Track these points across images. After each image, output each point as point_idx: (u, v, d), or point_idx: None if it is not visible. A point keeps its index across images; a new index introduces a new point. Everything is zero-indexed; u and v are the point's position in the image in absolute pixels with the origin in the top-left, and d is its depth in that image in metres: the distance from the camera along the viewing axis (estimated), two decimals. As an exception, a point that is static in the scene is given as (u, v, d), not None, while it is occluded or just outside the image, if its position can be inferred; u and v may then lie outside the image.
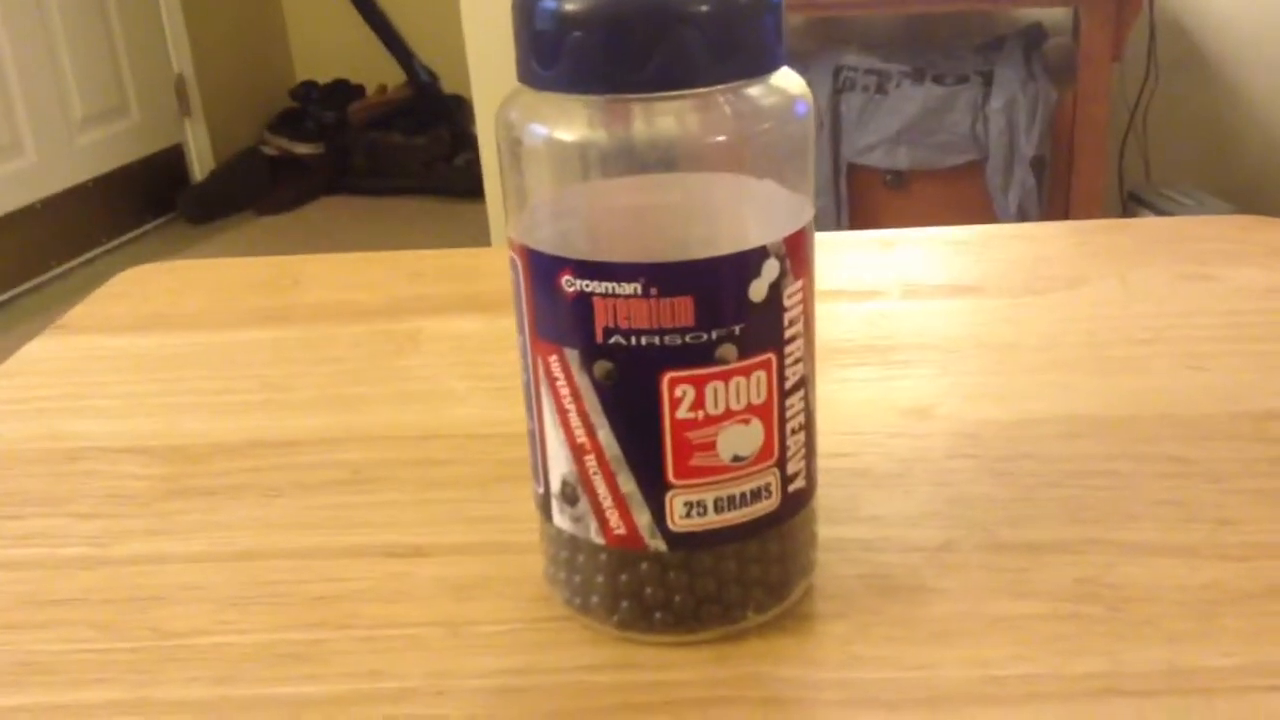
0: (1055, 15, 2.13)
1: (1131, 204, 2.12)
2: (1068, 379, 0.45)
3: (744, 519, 0.31)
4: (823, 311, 0.51)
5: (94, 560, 0.38)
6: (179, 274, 0.62)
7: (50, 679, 0.33)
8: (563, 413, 0.31)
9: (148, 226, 3.20)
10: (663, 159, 0.29)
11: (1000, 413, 0.43)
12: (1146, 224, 0.61)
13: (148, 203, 3.21)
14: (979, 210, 1.89)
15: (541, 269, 0.30)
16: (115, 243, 3.07)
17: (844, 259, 0.58)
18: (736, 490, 0.31)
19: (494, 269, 0.61)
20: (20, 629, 0.35)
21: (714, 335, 0.29)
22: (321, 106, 3.53)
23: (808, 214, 0.31)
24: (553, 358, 0.30)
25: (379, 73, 3.49)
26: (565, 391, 0.30)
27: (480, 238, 2.67)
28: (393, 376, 0.49)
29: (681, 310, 0.29)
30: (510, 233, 0.31)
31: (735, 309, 0.29)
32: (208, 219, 3.23)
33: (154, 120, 3.27)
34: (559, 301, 0.30)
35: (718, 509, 0.31)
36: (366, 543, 0.38)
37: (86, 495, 0.42)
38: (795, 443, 0.32)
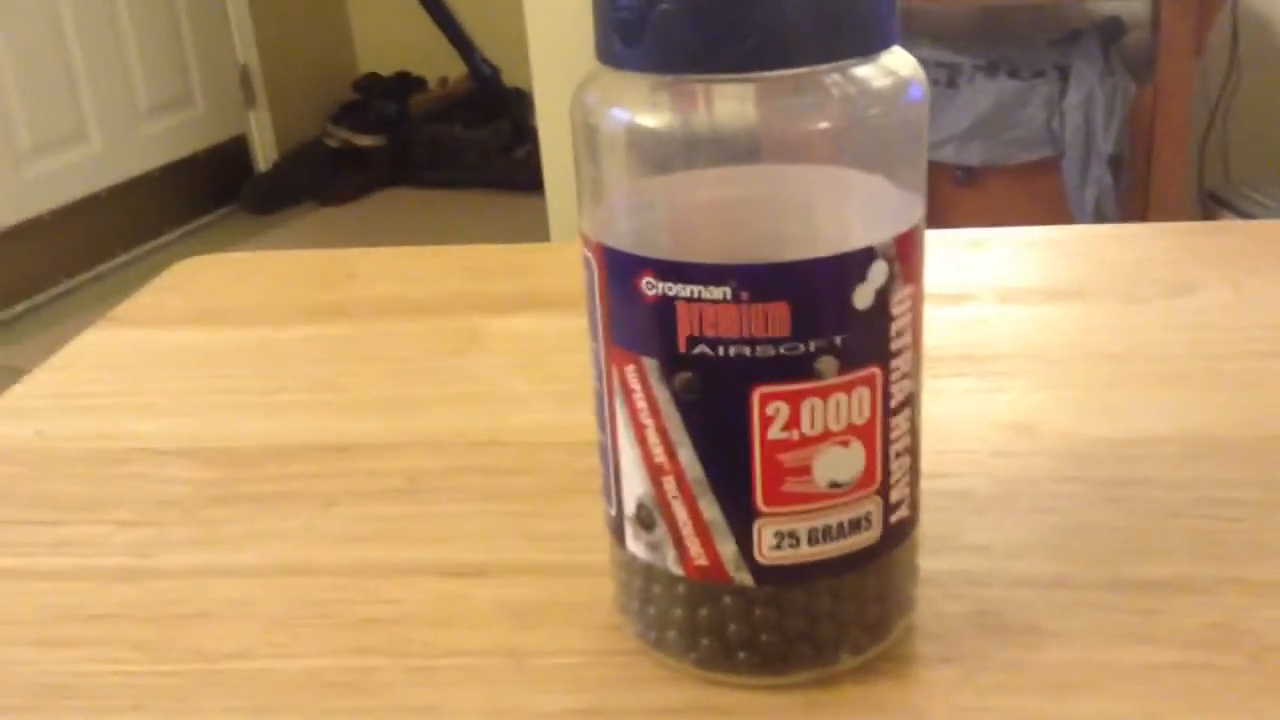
0: (1134, 8, 2.06)
1: (1211, 204, 2.05)
2: (1183, 394, 0.41)
3: (841, 552, 0.28)
4: (911, 316, 0.47)
5: (135, 572, 0.36)
6: (234, 266, 0.60)
7: (79, 704, 0.30)
8: (639, 429, 0.28)
9: (211, 216, 3.22)
10: (758, 148, 0.26)
11: (1110, 430, 0.39)
12: (1256, 227, 0.57)
13: (211, 193, 3.23)
14: (1053, 208, 1.83)
15: (619, 269, 0.27)
16: (178, 232, 3.09)
17: (931, 260, 0.54)
18: (833, 520, 0.27)
19: (555, 265, 0.58)
20: (52, 646, 0.33)
21: (812, 346, 0.26)
22: (384, 98, 3.53)
23: (919, 211, 0.27)
24: (629, 367, 0.27)
25: (441, 65, 3.49)
26: (643, 405, 0.27)
27: (539, 231, 2.65)
28: (452, 377, 0.47)
29: (776, 318, 0.26)
30: (584, 227, 0.28)
31: (837, 317, 0.26)
32: (270, 210, 3.24)
33: (219, 110, 3.29)
34: (638, 305, 0.27)
35: (811, 540, 0.27)
36: (423, 559, 0.35)
37: (130, 501, 0.39)
38: (899, 467, 0.28)
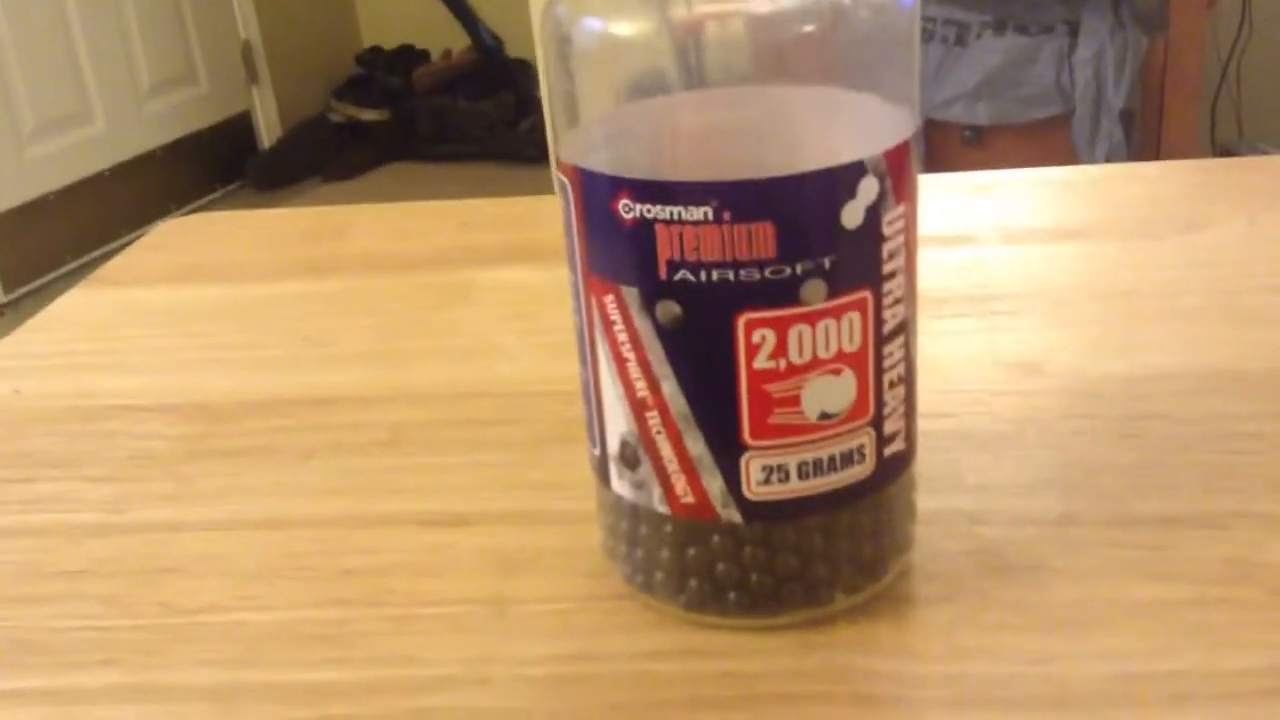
0: (1145, -38, 2.03)
1: (1224, 159, 2.02)
2: (1195, 330, 0.40)
3: (833, 486, 0.26)
4: (913, 257, 0.45)
5: (106, 528, 0.34)
6: (220, 225, 0.59)
7: (48, 659, 0.29)
8: (621, 362, 0.26)
9: (216, 194, 3.21)
10: (742, 57, 0.24)
11: (1120, 367, 0.38)
12: (1269, 163, 0.55)
13: (216, 170, 3.21)
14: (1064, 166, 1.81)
15: (595, 192, 0.25)
16: (184, 210, 3.08)
17: (933, 204, 0.53)
18: (824, 453, 0.26)
19: (550, 217, 0.56)
20: (20, 603, 0.31)
21: (799, 269, 0.24)
22: (387, 72, 3.51)
23: (911, 125, 0.26)
24: (609, 298, 0.26)
25: (444, 38, 3.46)
26: (624, 337, 0.26)
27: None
28: (439, 330, 0.45)
29: (761, 239, 0.24)
30: (559, 152, 0.26)
31: (825, 237, 0.24)
32: (275, 186, 3.23)
33: (222, 88, 3.27)
34: (615, 230, 0.25)
35: (802, 474, 0.26)
36: (404, 510, 0.34)
37: (105, 457, 0.38)
38: (893, 398, 0.27)
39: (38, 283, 2.59)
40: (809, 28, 0.24)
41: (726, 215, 0.24)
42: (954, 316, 0.42)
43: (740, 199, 0.24)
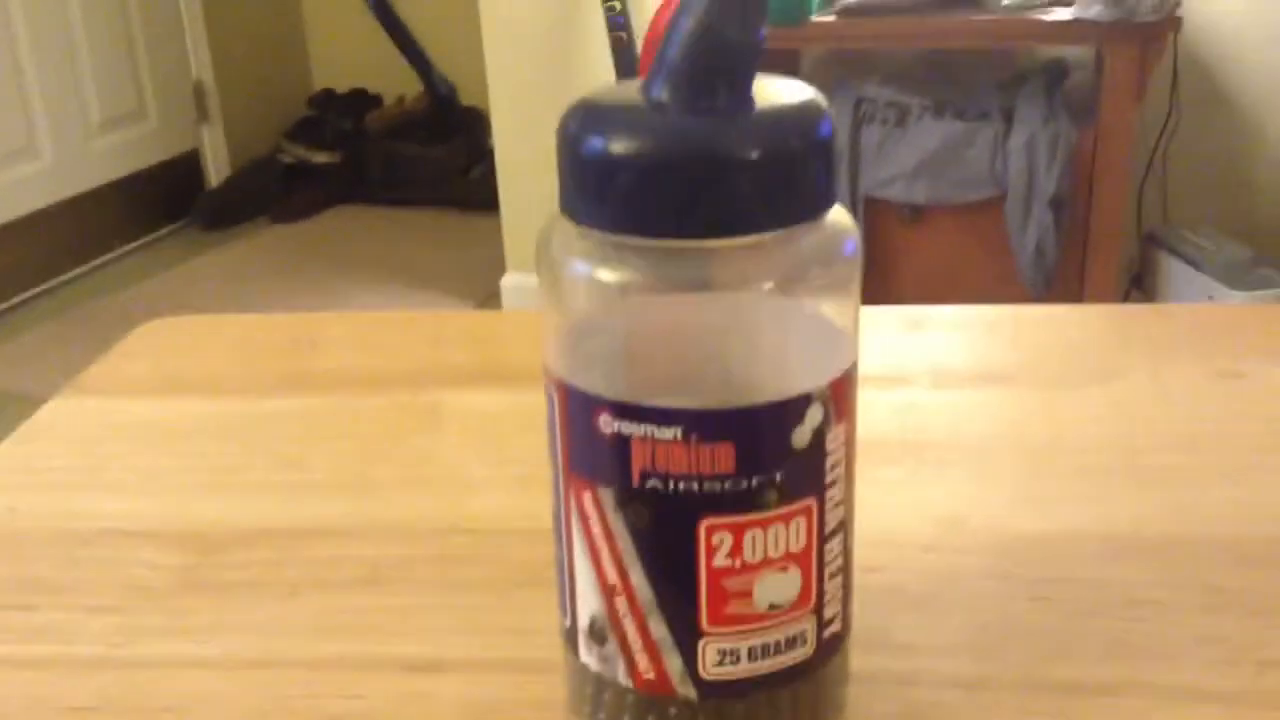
0: (1078, 52, 2.12)
1: (1149, 244, 2.11)
2: (1105, 490, 0.44)
3: (778, 667, 0.30)
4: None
5: (110, 662, 0.37)
6: (196, 330, 0.61)
7: (60, 802, 0.32)
8: (594, 552, 0.30)
9: (163, 231, 3.20)
10: (707, 303, 0.28)
11: (1037, 525, 0.42)
12: (1177, 311, 0.60)
13: (164, 208, 3.21)
14: (996, 247, 1.88)
15: (578, 406, 0.29)
16: (130, 246, 3.07)
17: (871, 338, 0.57)
18: (771, 639, 0.30)
19: (516, 336, 0.60)
20: (30, 741, 0.34)
21: (755, 482, 0.28)
22: (339, 115, 3.53)
23: (852, 355, 0.30)
24: (586, 495, 0.30)
25: (398, 83, 3.49)
26: (598, 530, 0.30)
27: (494, 250, 2.66)
28: (413, 458, 0.48)
29: (722, 457, 0.28)
30: (547, 361, 0.30)
31: (778, 456, 0.28)
32: (222, 225, 3.23)
33: (172, 125, 3.27)
34: (595, 440, 0.29)
35: (751, 657, 0.30)
36: (386, 653, 0.37)
37: (101, 586, 0.41)
38: (833, 587, 0.31)
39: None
40: (769, 283, 0.28)
41: (693, 436, 0.28)
42: (887, 464, 0.46)
43: (705, 424, 0.28)
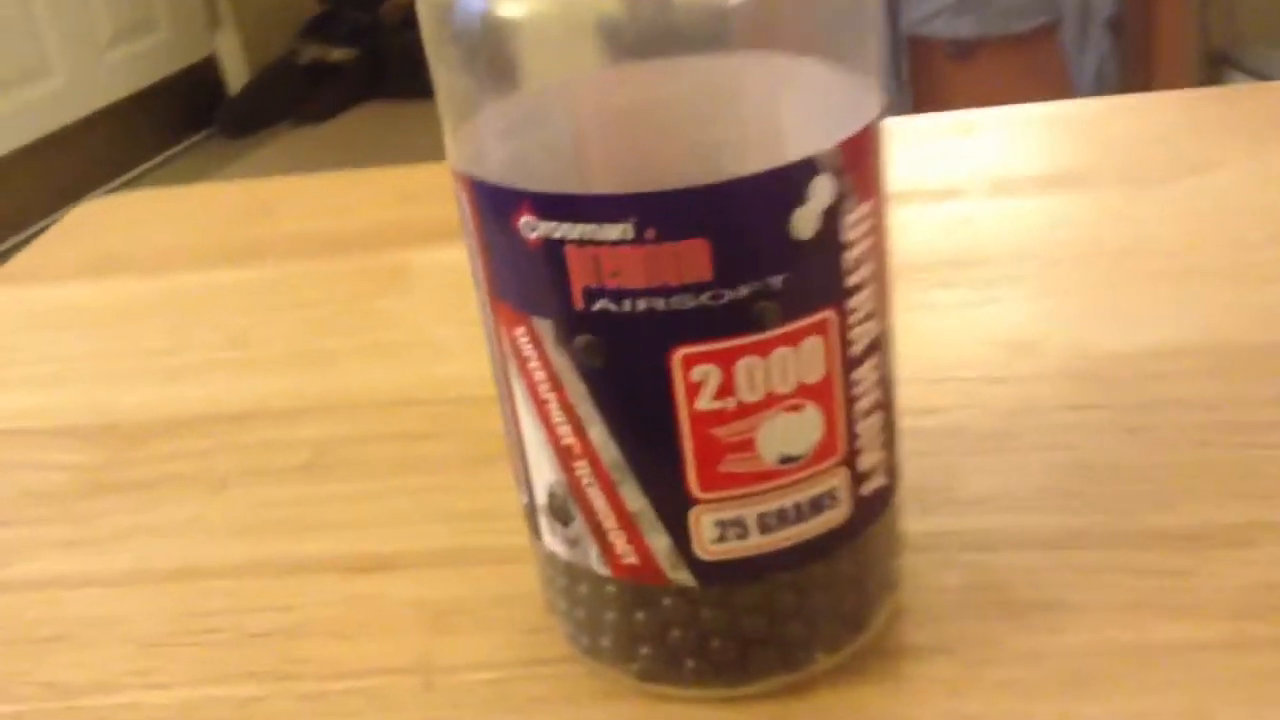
0: None
1: (1219, 64, 1.95)
2: (1209, 293, 0.36)
3: (803, 537, 0.22)
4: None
5: (-9, 587, 0.30)
6: (138, 206, 0.54)
7: (-92, 767, 0.25)
8: (540, 404, 0.22)
9: (185, 144, 3.13)
10: (657, 31, 0.20)
11: (1126, 343, 0.34)
12: (1276, 89, 0.50)
13: (185, 119, 3.13)
14: (1052, 80, 1.75)
15: (492, 206, 0.21)
16: (155, 161, 3.01)
17: (914, 150, 0.48)
18: (789, 501, 0.22)
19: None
20: (-115, 691, 0.27)
21: (743, 292, 0.20)
22: (354, 8, 3.41)
23: (875, 105, 0.21)
24: (519, 330, 0.22)
25: (410, -32, 3.36)
26: (541, 376, 0.22)
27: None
28: (370, 324, 0.41)
29: (693, 259, 0.20)
30: (449, 159, 0.22)
31: (773, 252, 0.20)
32: (246, 133, 3.15)
33: (184, 33, 3.18)
34: (519, 252, 0.21)
35: (764, 528, 0.22)
36: (323, 552, 0.30)
37: (-5, 497, 0.34)
38: (868, 428, 0.23)
39: (10, 243, 2.53)
40: (742, -2, 0.19)
41: (650, 233, 0.20)
42: (939, 287, 0.38)
43: (665, 212, 0.20)
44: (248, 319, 0.42)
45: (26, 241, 2.30)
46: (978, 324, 0.36)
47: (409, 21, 3.29)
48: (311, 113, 3.20)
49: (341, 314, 0.42)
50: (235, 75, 3.30)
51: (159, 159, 3.01)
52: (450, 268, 0.44)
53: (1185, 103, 0.50)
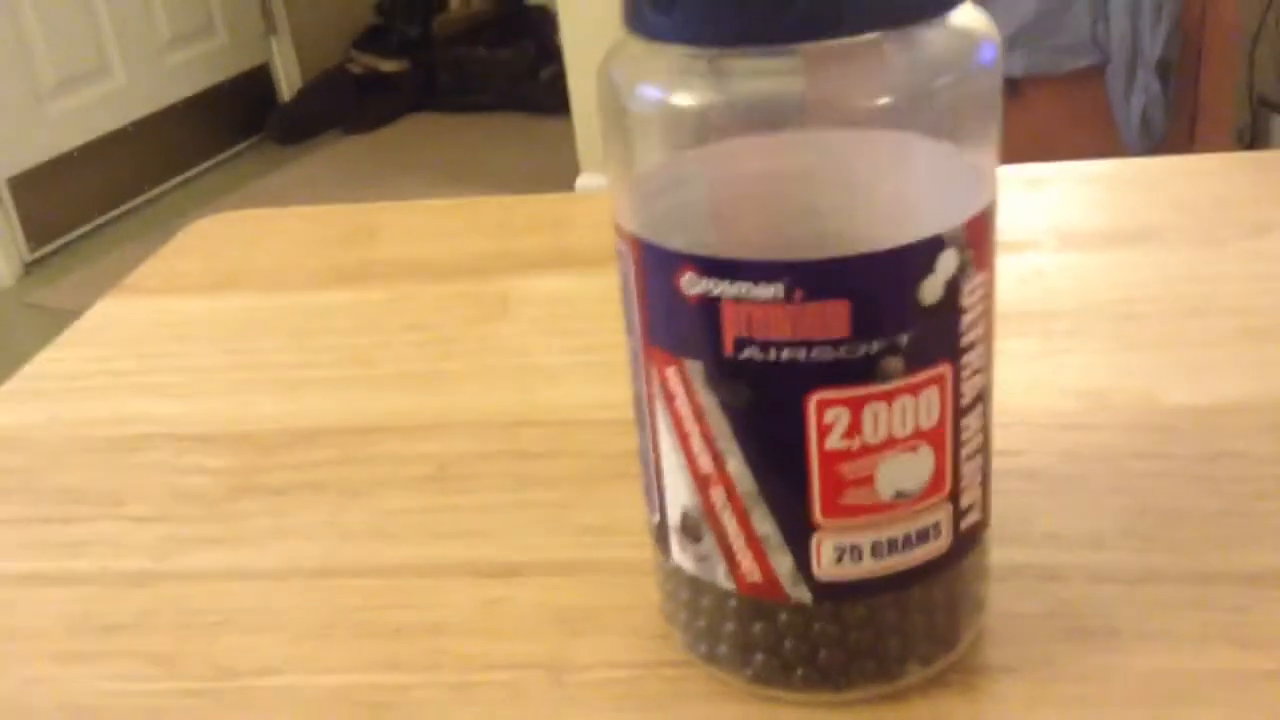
0: (1184, -98, 1.97)
1: (1263, 109, 1.97)
2: (1272, 352, 0.38)
3: (908, 564, 0.25)
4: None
5: (154, 576, 0.34)
6: (250, 224, 0.58)
7: (100, 732, 0.29)
8: (683, 436, 0.25)
9: (237, 148, 3.19)
10: (810, 129, 0.23)
11: (1192, 396, 0.36)
12: (1335, 152, 0.53)
13: (237, 124, 3.19)
14: (1100, 120, 1.77)
15: (656, 265, 0.24)
16: (206, 164, 3.07)
17: (985, 201, 0.51)
18: (899, 532, 0.25)
19: (587, 218, 0.55)
20: (70, 662, 0.31)
21: (874, 347, 0.23)
22: (406, 21, 3.47)
23: (992, 189, 0.24)
24: (670, 370, 0.25)
25: (463, -16, 3.41)
26: (686, 411, 0.25)
27: (568, 154, 2.61)
28: (479, 348, 0.44)
29: (834, 318, 0.23)
30: (617, 217, 0.25)
31: (901, 314, 0.23)
32: (296, 140, 3.21)
33: (240, 39, 3.24)
34: (679, 305, 0.24)
35: (876, 554, 0.25)
36: (456, 558, 0.33)
37: (148, 495, 0.37)
38: (970, 470, 0.26)
39: (62, 240, 2.59)
40: (884, 100, 0.22)
41: (797, 294, 0.23)
42: (1015, 336, 0.41)
43: (812, 278, 0.23)
44: (365, 338, 0.46)
45: (89, 236, 2.34)
46: (1050, 373, 0.38)
47: (459, 36, 3.35)
48: (361, 122, 3.26)
49: (451, 337, 0.45)
50: (289, 82, 3.37)
51: (212, 161, 3.08)
52: (550, 296, 0.48)
53: (1244, 164, 0.53)
